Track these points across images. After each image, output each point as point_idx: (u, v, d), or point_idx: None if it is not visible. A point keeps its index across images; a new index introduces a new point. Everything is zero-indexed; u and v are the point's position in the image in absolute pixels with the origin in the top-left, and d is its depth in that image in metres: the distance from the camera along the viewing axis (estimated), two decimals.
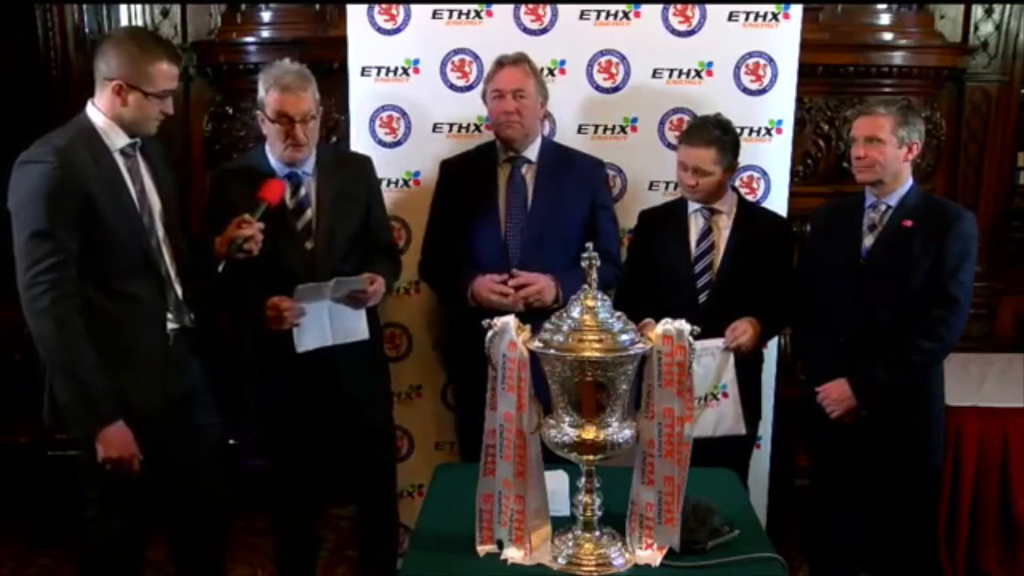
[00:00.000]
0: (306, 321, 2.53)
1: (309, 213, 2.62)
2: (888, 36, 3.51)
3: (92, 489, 2.36)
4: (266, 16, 3.60)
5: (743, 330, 2.65)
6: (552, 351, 1.76)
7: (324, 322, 2.55)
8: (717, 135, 2.65)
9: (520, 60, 2.74)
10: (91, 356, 2.20)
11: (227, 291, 2.58)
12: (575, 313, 1.79)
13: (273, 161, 2.61)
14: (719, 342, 2.64)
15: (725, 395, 2.67)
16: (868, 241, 2.62)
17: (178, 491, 2.50)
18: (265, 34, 3.60)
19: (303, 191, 2.63)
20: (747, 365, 2.73)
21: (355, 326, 2.60)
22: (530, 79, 2.73)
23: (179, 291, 2.39)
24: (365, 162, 2.80)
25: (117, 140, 2.29)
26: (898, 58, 3.49)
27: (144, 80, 2.24)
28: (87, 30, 4.00)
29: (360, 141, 3.01)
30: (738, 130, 2.80)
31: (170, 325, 2.36)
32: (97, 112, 2.28)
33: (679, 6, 2.91)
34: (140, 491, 2.36)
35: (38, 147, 2.21)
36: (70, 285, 2.17)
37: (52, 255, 2.15)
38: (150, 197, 2.36)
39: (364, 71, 2.99)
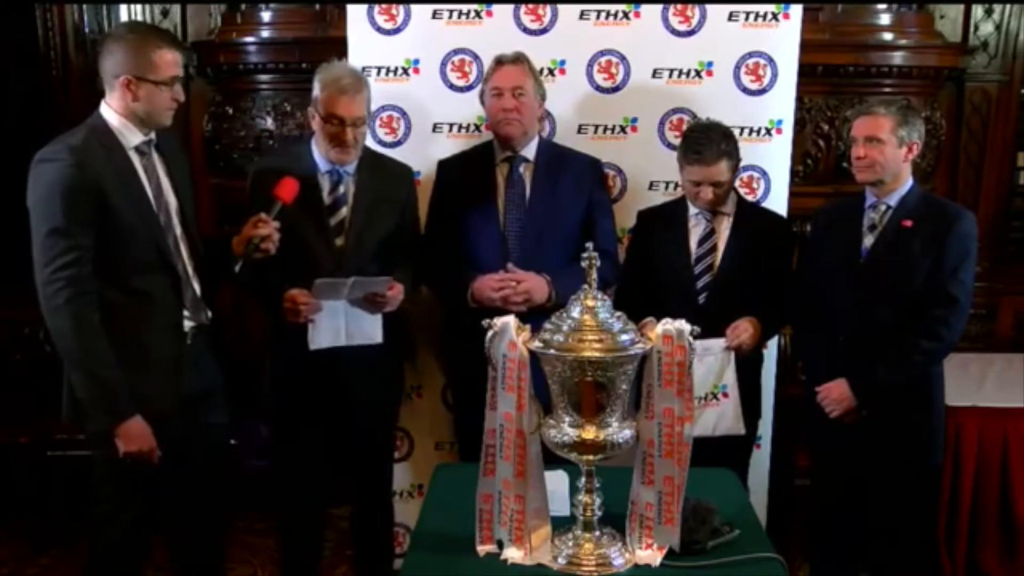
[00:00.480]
0: (322, 319, 2.53)
1: (344, 211, 2.62)
2: (888, 36, 3.51)
3: (105, 485, 2.36)
4: (266, 16, 3.60)
5: (743, 329, 2.65)
6: (552, 351, 1.76)
7: (340, 322, 2.55)
8: (724, 146, 2.64)
9: (519, 59, 2.74)
10: (108, 352, 2.21)
11: (249, 288, 2.58)
12: (575, 313, 1.79)
13: (318, 157, 2.63)
14: (721, 342, 2.64)
15: (726, 395, 2.67)
16: (868, 241, 2.62)
17: (180, 490, 2.50)
18: (265, 34, 3.60)
19: (341, 188, 2.63)
20: (747, 365, 2.73)
21: (370, 329, 2.59)
22: (528, 78, 2.74)
23: (197, 289, 2.40)
24: (407, 172, 2.81)
25: (131, 138, 2.30)
26: (898, 58, 3.49)
27: (150, 70, 2.25)
28: (87, 30, 4.00)
29: None
30: (738, 130, 2.80)
31: (187, 323, 2.37)
32: (110, 111, 2.29)
33: (679, 6, 2.91)
34: (151, 488, 2.36)
35: (53, 146, 2.23)
36: (86, 282, 2.19)
37: (68, 252, 2.17)
38: (166, 194, 2.36)
39: (364, 71, 2.96)
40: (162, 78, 2.26)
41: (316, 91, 2.58)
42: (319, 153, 2.63)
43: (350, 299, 2.54)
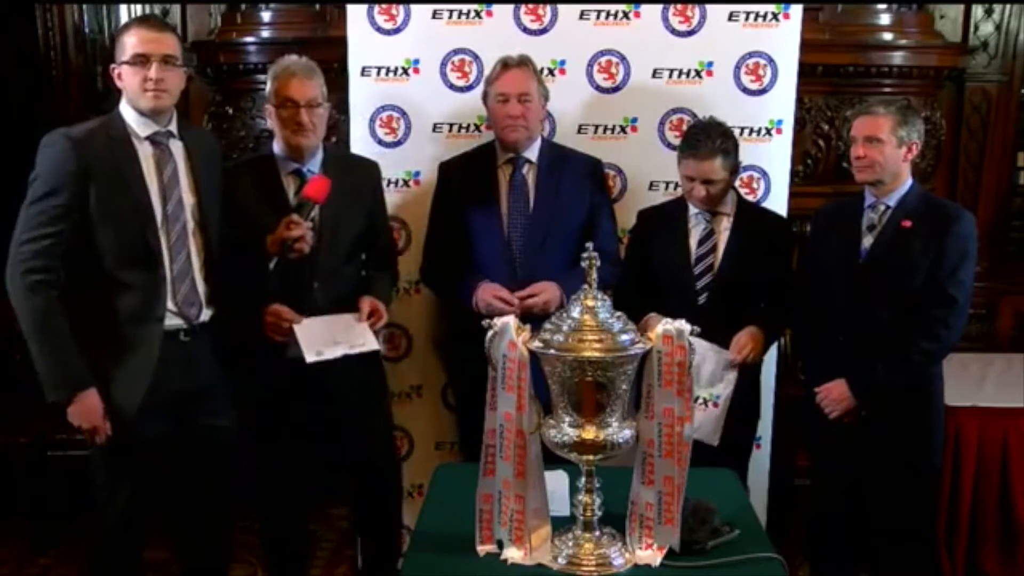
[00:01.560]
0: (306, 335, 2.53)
1: (313, 211, 2.60)
2: (888, 36, 3.50)
3: (98, 473, 2.38)
4: (266, 16, 3.60)
5: (743, 344, 2.64)
6: (552, 351, 1.76)
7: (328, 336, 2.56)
8: (720, 143, 2.63)
9: (524, 62, 2.73)
10: (62, 327, 2.23)
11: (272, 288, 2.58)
12: (575, 313, 1.78)
13: (281, 159, 2.62)
14: (727, 354, 2.63)
15: (715, 405, 2.66)
16: (867, 241, 2.62)
17: (183, 491, 2.50)
18: (265, 34, 3.59)
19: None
20: (747, 365, 2.73)
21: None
22: (533, 81, 2.73)
23: (199, 286, 2.39)
24: (373, 167, 2.80)
25: (143, 130, 2.32)
26: (898, 58, 3.49)
27: (121, 52, 2.30)
28: (87, 30, 4.01)
29: (360, 141, 3.01)
30: (738, 130, 2.80)
31: (169, 320, 2.35)
32: (124, 104, 2.34)
33: (679, 6, 2.91)
34: (141, 476, 2.37)
35: (56, 131, 2.28)
36: (51, 261, 2.22)
37: (39, 228, 2.21)
38: (181, 188, 2.37)
39: (364, 71, 2.99)
40: (127, 57, 2.28)
41: (268, 86, 2.61)
42: (281, 154, 2.63)
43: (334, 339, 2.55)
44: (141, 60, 2.28)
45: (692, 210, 2.76)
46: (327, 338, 2.55)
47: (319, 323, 2.55)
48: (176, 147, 2.38)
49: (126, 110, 2.33)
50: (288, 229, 2.43)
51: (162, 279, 2.32)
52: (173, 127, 2.37)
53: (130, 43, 2.29)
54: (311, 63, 2.63)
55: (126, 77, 2.30)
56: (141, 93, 2.29)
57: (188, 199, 2.38)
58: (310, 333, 2.53)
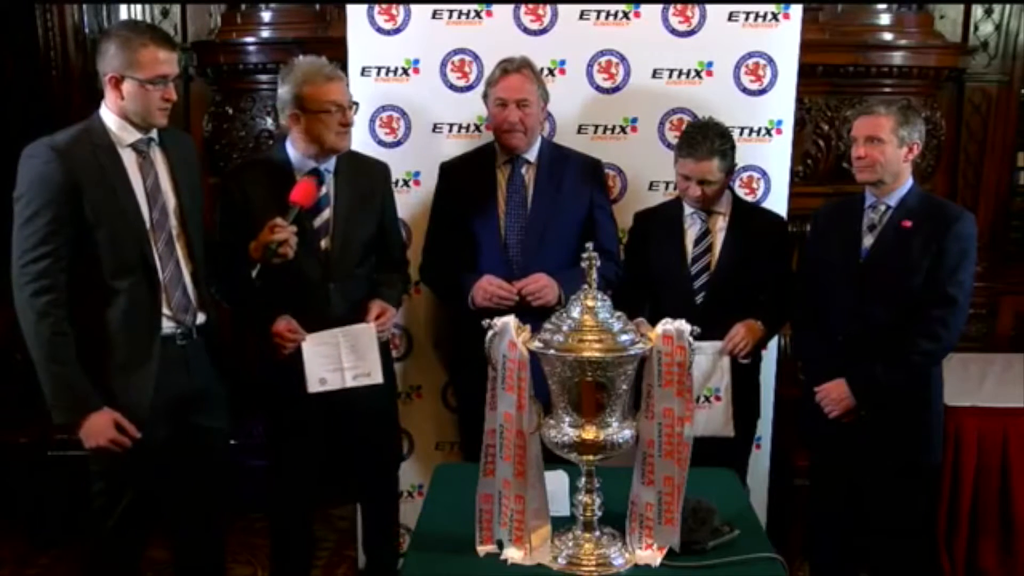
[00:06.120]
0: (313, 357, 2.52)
1: (327, 213, 2.59)
2: (888, 36, 3.51)
3: (97, 480, 2.37)
4: (266, 16, 3.60)
5: (735, 333, 2.66)
6: (552, 351, 1.76)
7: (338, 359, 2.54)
8: (718, 144, 2.64)
9: (523, 66, 2.73)
10: (69, 348, 2.21)
11: (256, 293, 2.55)
12: (575, 313, 1.79)
13: (295, 157, 2.58)
14: (714, 344, 2.64)
15: (718, 398, 2.67)
16: (868, 241, 2.62)
17: (179, 493, 2.50)
18: (265, 34, 3.60)
19: (323, 189, 2.59)
20: (746, 365, 2.73)
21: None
22: (533, 84, 2.72)
23: (191, 290, 2.38)
24: (384, 168, 2.78)
25: (126, 137, 2.29)
26: (898, 58, 3.49)
27: (135, 68, 2.23)
28: (87, 30, 4.01)
29: (360, 141, 3.00)
30: (738, 130, 2.80)
31: (167, 325, 2.34)
32: (107, 111, 2.29)
33: (679, 6, 2.91)
34: (142, 482, 2.37)
35: (39, 142, 2.23)
36: (55, 278, 2.19)
37: (38, 247, 2.18)
38: (165, 194, 2.34)
39: (364, 71, 2.99)
40: (147, 76, 2.23)
41: (295, 90, 2.51)
42: (297, 154, 2.58)
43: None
44: (165, 80, 2.25)
45: (687, 210, 2.77)
46: (334, 360, 2.52)
47: (327, 339, 2.51)
48: (156, 153, 2.35)
49: (107, 118, 2.28)
50: (272, 233, 2.39)
51: (156, 286, 2.31)
52: (154, 133, 2.34)
53: (150, 60, 2.22)
54: (331, 62, 2.60)
55: (141, 94, 2.23)
56: (154, 111, 2.26)
57: (171, 204, 2.35)
58: (317, 354, 2.51)
